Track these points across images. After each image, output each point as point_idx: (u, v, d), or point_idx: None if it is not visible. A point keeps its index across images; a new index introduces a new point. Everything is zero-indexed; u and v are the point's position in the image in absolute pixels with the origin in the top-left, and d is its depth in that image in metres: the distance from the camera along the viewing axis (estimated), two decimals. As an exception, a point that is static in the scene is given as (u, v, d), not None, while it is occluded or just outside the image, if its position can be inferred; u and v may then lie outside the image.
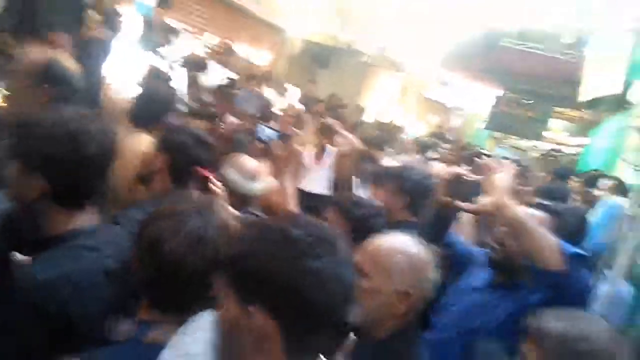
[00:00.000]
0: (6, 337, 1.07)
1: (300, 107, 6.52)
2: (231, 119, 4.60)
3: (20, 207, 1.24)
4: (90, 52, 3.97)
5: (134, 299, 1.10)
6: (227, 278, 0.82)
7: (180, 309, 1.06)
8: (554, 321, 1.22)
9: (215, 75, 6.21)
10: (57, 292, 1.09)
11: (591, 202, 4.10)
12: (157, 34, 5.48)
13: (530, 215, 1.60)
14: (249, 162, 1.97)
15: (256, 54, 9.23)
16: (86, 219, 1.24)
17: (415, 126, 13.99)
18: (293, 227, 0.81)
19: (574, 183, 5.06)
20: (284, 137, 1.79)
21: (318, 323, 0.80)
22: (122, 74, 4.38)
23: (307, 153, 4.70)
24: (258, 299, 0.79)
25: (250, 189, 1.90)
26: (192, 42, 6.66)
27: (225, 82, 6.07)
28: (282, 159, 1.75)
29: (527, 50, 9.82)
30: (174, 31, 6.12)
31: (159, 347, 1.01)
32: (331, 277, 0.79)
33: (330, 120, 4.60)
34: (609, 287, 2.45)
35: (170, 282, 1.03)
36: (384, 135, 6.47)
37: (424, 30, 9.59)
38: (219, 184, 1.67)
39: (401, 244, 1.37)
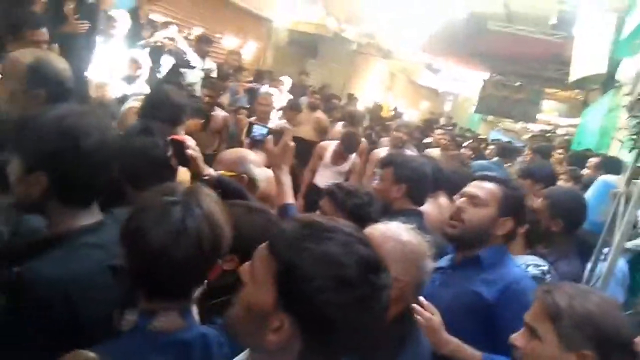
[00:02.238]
0: (14, 336, 1.06)
1: (289, 97, 6.48)
2: (219, 112, 4.58)
3: (24, 208, 1.24)
4: (73, 48, 3.91)
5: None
6: (275, 269, 0.82)
7: (175, 297, 1.08)
8: (571, 298, 1.21)
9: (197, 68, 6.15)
10: (63, 290, 1.09)
11: (581, 181, 4.11)
12: (141, 28, 5.42)
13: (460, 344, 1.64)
14: (251, 153, 2.00)
15: (243, 46, 9.16)
16: (89, 217, 1.24)
17: (408, 112, 13.99)
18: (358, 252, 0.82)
19: (558, 164, 5.10)
20: (275, 132, 1.79)
21: (343, 346, 0.83)
22: (111, 71, 4.33)
23: (329, 152, 4.77)
24: (296, 314, 0.80)
25: (259, 177, 1.94)
26: (178, 35, 6.57)
27: (214, 73, 6.02)
28: (276, 155, 1.75)
29: (514, 32, 9.82)
30: (159, 25, 6.05)
31: (162, 334, 1.04)
32: (370, 307, 0.81)
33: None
34: (607, 265, 2.46)
35: (157, 273, 1.04)
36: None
37: (410, 16, 9.55)
38: (195, 147, 1.67)
39: (394, 231, 1.39)
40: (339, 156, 4.75)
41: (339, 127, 5.96)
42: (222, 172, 1.87)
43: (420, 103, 16.55)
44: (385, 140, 5.74)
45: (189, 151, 1.66)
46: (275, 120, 5.50)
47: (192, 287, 1.11)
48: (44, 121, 1.16)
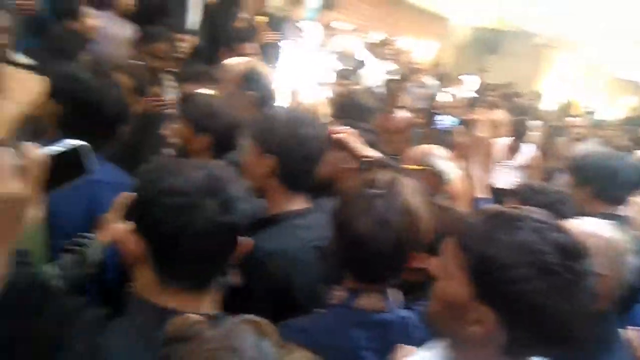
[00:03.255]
0: (242, 303, 1.25)
1: (472, 96, 6.27)
2: (403, 113, 4.64)
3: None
4: (266, 57, 4.34)
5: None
6: (467, 262, 0.83)
7: (377, 280, 1.16)
8: None
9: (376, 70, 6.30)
10: (279, 263, 1.28)
11: None
12: (323, 37, 5.80)
13: None
14: (441, 150, 1.99)
15: (422, 46, 9.13)
16: (300, 203, 1.43)
17: (604, 109, 12.39)
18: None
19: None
20: (465, 123, 1.75)
21: (549, 337, 0.81)
22: (302, 79, 4.67)
23: (499, 147, 4.57)
24: (497, 305, 0.80)
25: (449, 176, 1.93)
26: (355, 40, 6.83)
27: (393, 76, 6.12)
28: (467, 146, 1.72)
29: None
30: (341, 31, 6.36)
31: (365, 312, 1.14)
32: (576, 296, 0.79)
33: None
34: None
35: (360, 258, 1.12)
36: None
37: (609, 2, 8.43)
38: (342, 130, 1.72)
39: (594, 227, 1.30)
40: (510, 150, 4.54)
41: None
42: (406, 166, 1.90)
43: (621, 99, 14.52)
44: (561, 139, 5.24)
45: (335, 136, 1.72)
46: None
47: (393, 273, 1.17)
48: (276, 112, 1.41)
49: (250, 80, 2.12)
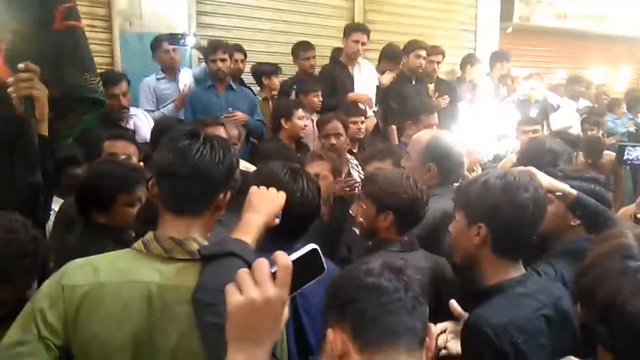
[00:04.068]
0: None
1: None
2: (607, 153, 4.17)
3: (461, 261, 1.46)
4: (445, 123, 4.36)
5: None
6: None
7: None
8: None
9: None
10: (509, 336, 1.22)
11: None
12: (498, 86, 5.65)
13: None
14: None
15: (617, 74, 8.19)
16: (516, 270, 1.37)
17: None
18: None
19: None
20: None
21: None
22: (481, 136, 4.57)
23: None
24: None
25: None
26: (540, 83, 6.43)
27: (587, 113, 5.59)
28: None
29: None
30: (521, 78, 6.10)
31: None
32: None
33: None
34: None
35: (631, 342, 0.96)
36: None
37: None
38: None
39: None
40: None
41: None
42: None
43: None
44: None
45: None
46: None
47: None
48: (484, 179, 1.39)
49: (433, 150, 2.11)
